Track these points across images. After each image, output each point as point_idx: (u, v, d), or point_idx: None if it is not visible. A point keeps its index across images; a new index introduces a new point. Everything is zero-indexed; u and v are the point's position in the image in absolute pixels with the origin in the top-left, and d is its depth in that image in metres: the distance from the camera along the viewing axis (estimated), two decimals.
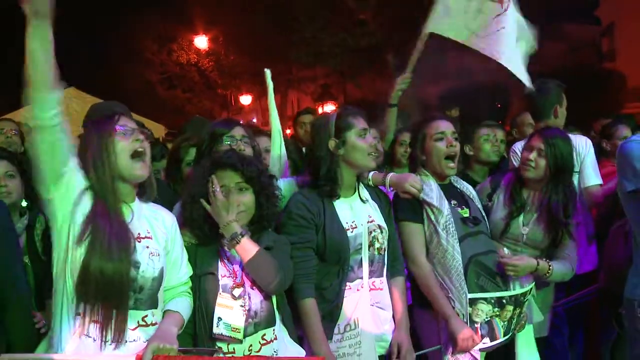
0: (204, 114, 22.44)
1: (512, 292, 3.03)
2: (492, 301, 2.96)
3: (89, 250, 2.14)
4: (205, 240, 2.58)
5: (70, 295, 2.16)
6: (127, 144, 2.26)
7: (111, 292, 2.15)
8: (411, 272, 3.07)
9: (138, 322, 2.25)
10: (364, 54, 17.35)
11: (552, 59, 18.85)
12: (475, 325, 2.92)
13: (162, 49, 22.72)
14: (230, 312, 2.45)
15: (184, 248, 2.53)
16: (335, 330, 2.78)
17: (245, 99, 25.31)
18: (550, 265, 3.17)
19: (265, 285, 2.51)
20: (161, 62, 22.95)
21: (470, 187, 3.34)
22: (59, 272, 2.19)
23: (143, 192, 2.41)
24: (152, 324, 2.28)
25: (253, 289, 2.51)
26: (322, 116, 3.14)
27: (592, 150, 4.09)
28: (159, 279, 2.31)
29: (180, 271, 2.48)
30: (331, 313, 2.77)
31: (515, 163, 4.07)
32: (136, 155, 2.28)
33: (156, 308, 2.31)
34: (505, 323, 2.98)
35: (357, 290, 2.84)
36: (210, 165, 2.62)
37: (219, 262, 2.55)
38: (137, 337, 2.23)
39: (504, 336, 2.99)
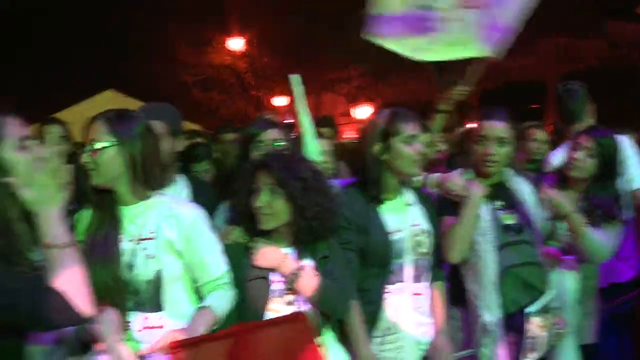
0: (238, 115, 22.61)
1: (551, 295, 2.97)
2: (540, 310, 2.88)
3: None
4: (255, 234, 2.55)
5: None
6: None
7: (105, 295, 2.18)
8: (450, 259, 2.95)
9: (142, 324, 2.30)
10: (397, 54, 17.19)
11: (591, 56, 18.42)
12: (528, 341, 2.82)
13: (197, 50, 22.93)
14: None
15: (215, 245, 2.47)
16: (377, 334, 2.75)
17: (280, 100, 25.40)
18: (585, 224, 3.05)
19: (331, 314, 2.49)
20: (195, 64, 23.16)
21: (527, 189, 3.14)
22: None
23: (153, 184, 2.39)
24: (158, 327, 2.29)
25: None
26: (371, 119, 3.06)
27: (634, 150, 4.02)
28: (154, 282, 2.30)
29: (210, 269, 2.43)
30: (372, 315, 2.74)
31: None
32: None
33: (160, 311, 2.31)
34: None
35: (398, 293, 2.80)
36: (251, 165, 2.60)
37: None
38: (143, 338, 2.28)
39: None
